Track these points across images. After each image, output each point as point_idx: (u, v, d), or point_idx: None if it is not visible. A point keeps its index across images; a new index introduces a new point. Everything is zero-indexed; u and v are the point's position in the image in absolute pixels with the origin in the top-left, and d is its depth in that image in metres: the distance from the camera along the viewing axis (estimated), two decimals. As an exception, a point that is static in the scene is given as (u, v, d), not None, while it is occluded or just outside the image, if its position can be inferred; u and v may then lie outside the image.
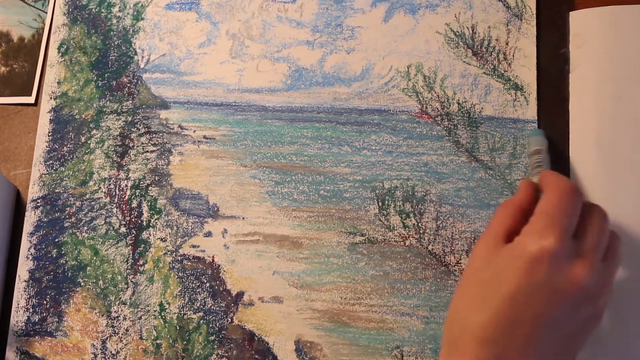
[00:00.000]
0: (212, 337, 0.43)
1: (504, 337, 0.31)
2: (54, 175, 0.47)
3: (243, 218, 0.45)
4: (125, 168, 0.47)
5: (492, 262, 0.32)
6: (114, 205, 0.46)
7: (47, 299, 0.45)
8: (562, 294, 0.31)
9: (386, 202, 0.44)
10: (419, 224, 0.44)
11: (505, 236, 0.33)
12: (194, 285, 0.44)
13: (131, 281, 0.45)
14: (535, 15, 0.46)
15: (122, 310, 0.44)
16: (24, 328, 0.45)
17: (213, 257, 0.44)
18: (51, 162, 0.47)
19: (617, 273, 0.35)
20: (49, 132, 0.48)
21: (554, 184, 0.34)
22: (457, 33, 0.46)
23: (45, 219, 0.46)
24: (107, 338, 0.44)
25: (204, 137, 0.46)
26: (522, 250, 0.31)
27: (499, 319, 0.31)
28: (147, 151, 0.47)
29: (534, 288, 0.30)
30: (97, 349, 0.44)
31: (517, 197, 0.35)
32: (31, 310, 0.45)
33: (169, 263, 0.45)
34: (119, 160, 0.47)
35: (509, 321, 0.31)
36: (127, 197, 0.46)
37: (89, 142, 0.47)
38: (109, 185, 0.46)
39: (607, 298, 0.33)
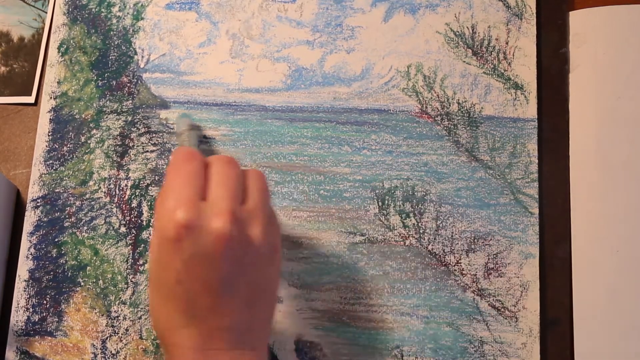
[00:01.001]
0: (212, 337, 0.43)
1: (193, 318, 0.31)
2: (54, 175, 0.47)
3: (243, 218, 0.45)
4: (125, 168, 0.47)
5: (154, 255, 0.33)
6: (114, 205, 0.46)
7: (47, 299, 0.45)
8: (213, 255, 0.30)
9: (386, 201, 0.44)
10: (419, 224, 0.44)
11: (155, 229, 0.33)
12: (194, 285, 0.44)
13: (131, 281, 0.45)
14: (535, 15, 0.46)
15: (122, 310, 0.44)
16: (24, 328, 0.45)
17: (213, 256, 0.44)
18: (51, 161, 0.47)
19: (266, 204, 0.34)
20: (49, 132, 0.48)
21: (171, 158, 0.34)
22: (457, 33, 0.46)
23: (45, 219, 0.46)
24: (107, 338, 0.44)
25: (204, 137, 0.46)
26: (163, 234, 0.31)
27: (179, 304, 0.31)
28: (147, 151, 0.47)
29: (188, 263, 0.31)
30: (97, 349, 0.44)
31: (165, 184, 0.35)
32: (31, 310, 0.45)
33: (169, 263, 0.45)
34: (119, 160, 0.47)
35: (189, 302, 0.31)
36: (127, 196, 0.46)
37: (89, 141, 0.47)
38: (109, 185, 0.46)
39: (267, 232, 0.33)
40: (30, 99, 0.49)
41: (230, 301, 0.32)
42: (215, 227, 0.30)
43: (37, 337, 0.44)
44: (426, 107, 0.46)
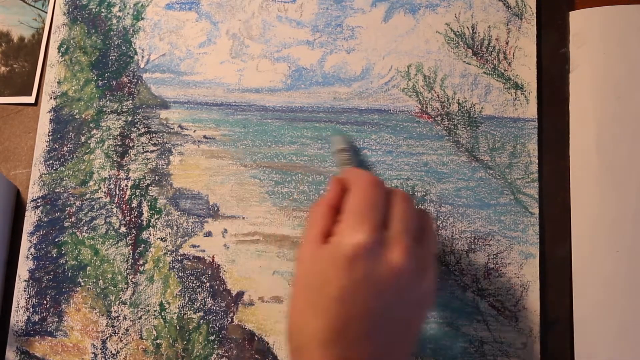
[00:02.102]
0: (212, 337, 0.43)
1: (340, 337, 0.31)
2: (54, 175, 0.47)
3: (243, 218, 0.45)
4: (126, 168, 0.47)
5: (315, 266, 0.33)
6: (114, 205, 0.46)
7: (47, 299, 0.45)
8: (384, 284, 0.31)
9: (386, 201, 0.44)
10: (419, 224, 0.44)
11: (322, 237, 0.33)
12: (194, 285, 0.44)
13: (131, 281, 0.45)
14: (535, 15, 0.46)
15: (122, 310, 0.44)
16: (24, 328, 0.45)
17: (213, 257, 0.44)
18: (51, 161, 0.47)
19: (436, 249, 0.35)
20: (49, 132, 0.48)
21: (355, 179, 0.34)
22: (457, 33, 0.46)
23: (45, 219, 0.46)
24: (107, 338, 0.44)
25: (204, 137, 0.46)
26: (338, 250, 0.31)
27: (331, 321, 0.31)
28: (147, 151, 0.47)
29: (356, 285, 0.31)
30: (97, 349, 0.44)
31: (327, 196, 0.35)
32: (31, 310, 0.45)
33: (169, 263, 0.45)
34: (119, 160, 0.47)
35: (341, 321, 0.31)
36: (127, 197, 0.46)
37: (89, 141, 0.47)
38: (109, 185, 0.46)
39: (433, 277, 0.34)
40: (31, 99, 0.49)
41: (381, 332, 0.32)
42: (394, 259, 0.31)
43: (37, 337, 0.44)
44: (426, 107, 0.46)
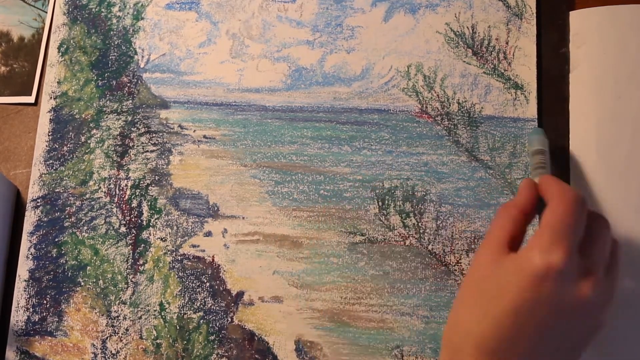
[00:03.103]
0: (212, 337, 0.43)
1: (505, 350, 0.31)
2: (54, 174, 0.47)
3: (243, 218, 0.45)
4: (125, 168, 0.47)
5: (496, 272, 0.32)
6: (114, 205, 0.46)
7: (47, 299, 0.45)
8: (566, 311, 0.30)
9: (386, 201, 0.44)
10: (419, 224, 0.44)
11: (509, 243, 0.32)
12: (194, 285, 0.44)
13: (131, 281, 0.45)
14: (535, 15, 0.46)
15: (122, 309, 0.44)
16: (24, 328, 0.45)
17: (213, 256, 0.44)
18: (51, 161, 0.47)
19: (618, 281, 0.34)
20: (49, 132, 0.48)
21: (559, 193, 0.32)
22: (457, 33, 0.46)
23: (45, 219, 0.46)
24: (107, 338, 0.44)
25: (204, 136, 0.46)
26: (528, 264, 0.30)
27: (500, 331, 0.31)
28: (147, 151, 0.47)
29: (538, 304, 0.30)
30: (97, 349, 0.44)
31: (519, 200, 0.35)
32: (31, 309, 0.45)
33: (169, 263, 0.45)
34: (119, 160, 0.47)
35: (511, 334, 0.31)
36: (127, 196, 0.46)
37: (89, 141, 0.47)
38: (109, 184, 0.46)
39: (607, 314, 0.33)
40: (31, 99, 0.49)
41: (547, 356, 0.31)
42: (583, 292, 0.30)
43: (37, 337, 0.44)
44: (426, 107, 0.46)
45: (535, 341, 0.30)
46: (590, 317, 0.31)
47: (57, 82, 0.49)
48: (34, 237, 0.46)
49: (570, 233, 0.31)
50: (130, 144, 0.47)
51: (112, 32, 0.49)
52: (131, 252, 0.45)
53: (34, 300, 0.45)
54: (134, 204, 0.46)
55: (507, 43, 0.46)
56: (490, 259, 0.33)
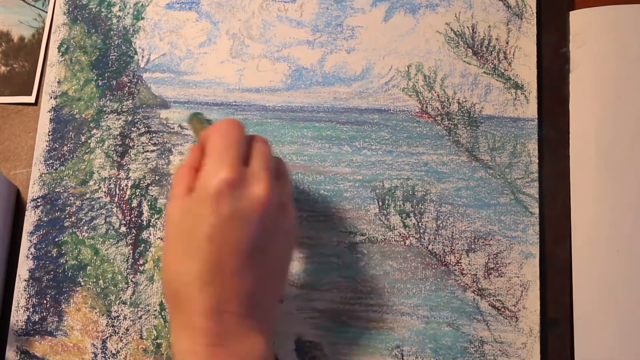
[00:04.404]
0: (212, 337, 0.43)
1: (215, 276, 0.32)
2: (54, 174, 0.47)
3: (243, 218, 0.45)
4: (126, 167, 0.47)
5: (185, 215, 0.33)
6: (114, 205, 0.46)
7: (47, 299, 0.45)
8: (250, 217, 0.32)
9: (386, 201, 0.44)
10: (419, 224, 0.44)
11: (187, 190, 0.34)
12: (194, 284, 0.44)
13: (131, 281, 0.45)
14: (535, 15, 0.46)
15: (122, 309, 0.44)
16: (24, 327, 0.45)
17: (213, 256, 0.44)
18: (51, 161, 0.47)
19: (292, 190, 0.38)
20: (49, 132, 0.48)
21: (214, 126, 0.35)
22: (458, 32, 0.46)
23: (45, 219, 0.46)
24: (107, 338, 0.44)
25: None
26: (205, 191, 0.32)
27: (207, 260, 0.32)
28: (148, 151, 0.47)
29: (225, 221, 0.32)
30: (97, 349, 0.44)
31: (187, 160, 0.36)
32: (31, 309, 0.45)
33: (169, 263, 0.45)
34: (119, 160, 0.47)
35: (216, 259, 0.32)
36: (127, 196, 0.46)
37: (89, 141, 0.47)
38: (109, 184, 0.46)
39: (293, 214, 0.36)
40: (31, 99, 0.49)
41: (253, 267, 0.33)
42: (256, 192, 0.32)
43: (37, 336, 0.44)
44: (426, 107, 0.46)
45: (239, 257, 0.32)
46: (274, 219, 0.33)
47: (57, 82, 0.49)
48: (34, 236, 0.46)
49: (230, 149, 0.33)
50: (131, 144, 0.47)
51: (112, 32, 0.49)
52: (131, 252, 0.45)
53: (34, 300, 0.45)
54: (134, 203, 0.46)
55: (507, 43, 0.46)
56: (177, 207, 0.34)
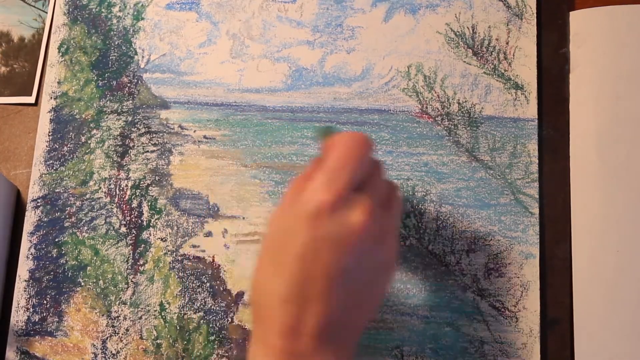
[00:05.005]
0: (213, 337, 0.43)
1: (300, 295, 0.31)
2: (54, 175, 0.47)
3: (243, 218, 0.45)
4: (126, 168, 0.47)
5: (281, 226, 0.33)
6: (114, 205, 0.46)
7: (48, 299, 0.45)
8: (345, 243, 0.31)
9: (386, 202, 0.44)
10: (419, 224, 0.44)
11: (293, 202, 0.33)
12: (194, 285, 0.44)
13: (131, 281, 0.45)
14: (535, 15, 0.46)
15: (122, 310, 0.44)
16: (24, 328, 0.45)
17: (213, 257, 0.44)
18: (51, 161, 0.47)
19: (399, 221, 0.36)
20: (49, 132, 0.48)
21: (338, 138, 0.33)
22: (458, 33, 0.46)
23: (45, 219, 0.46)
24: (107, 338, 0.44)
25: (204, 137, 0.46)
26: (303, 207, 0.31)
27: (293, 279, 0.31)
28: (148, 151, 0.47)
29: (318, 243, 0.31)
30: (97, 349, 0.44)
31: (305, 170, 0.35)
32: (31, 310, 0.45)
33: (169, 263, 0.45)
34: (119, 160, 0.47)
35: (303, 279, 0.31)
36: (127, 197, 0.46)
37: (89, 141, 0.47)
38: (109, 185, 0.46)
39: (394, 245, 0.34)
40: (31, 99, 0.49)
41: (339, 293, 0.31)
42: (354, 219, 0.31)
43: (37, 337, 0.44)
44: (426, 107, 0.46)
45: (326, 281, 0.31)
46: (371, 247, 0.32)
47: (58, 82, 0.49)
48: (34, 237, 0.46)
49: (341, 172, 0.32)
50: (131, 144, 0.47)
51: (112, 33, 0.49)
52: (131, 252, 0.45)
53: (34, 300, 0.45)
54: (134, 204, 0.46)
55: (507, 43, 0.46)
56: (278, 217, 0.33)
